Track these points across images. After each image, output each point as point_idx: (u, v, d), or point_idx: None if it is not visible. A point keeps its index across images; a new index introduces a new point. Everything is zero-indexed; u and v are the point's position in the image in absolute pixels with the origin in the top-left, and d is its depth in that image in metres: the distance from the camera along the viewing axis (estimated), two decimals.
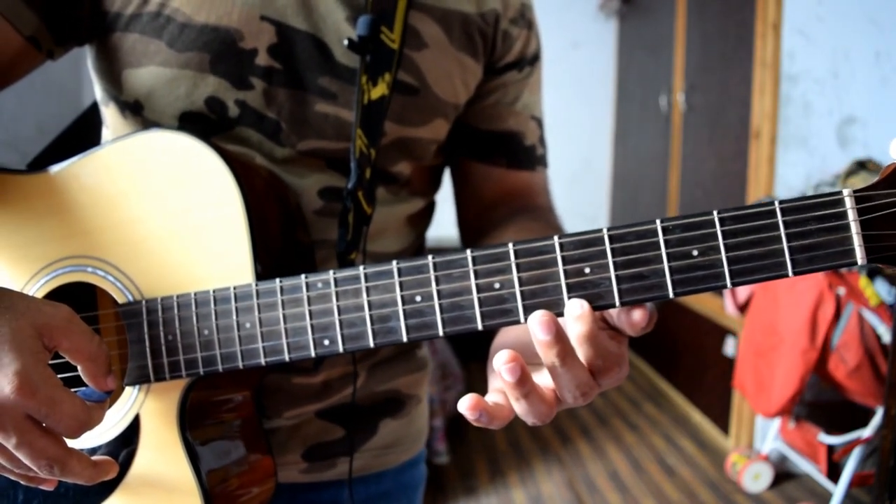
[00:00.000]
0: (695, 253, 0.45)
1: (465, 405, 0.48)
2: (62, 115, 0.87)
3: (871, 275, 2.32)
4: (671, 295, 0.46)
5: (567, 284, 0.48)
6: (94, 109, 0.84)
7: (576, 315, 0.47)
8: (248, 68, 0.71)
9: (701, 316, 3.57)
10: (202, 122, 0.73)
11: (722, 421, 3.33)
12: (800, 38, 2.86)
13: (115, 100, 0.76)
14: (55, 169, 0.69)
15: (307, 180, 0.75)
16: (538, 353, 0.48)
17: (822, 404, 2.62)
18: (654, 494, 2.86)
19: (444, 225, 0.96)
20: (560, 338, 0.47)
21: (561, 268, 0.48)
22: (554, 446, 3.35)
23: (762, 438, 2.98)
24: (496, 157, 0.88)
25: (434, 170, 0.89)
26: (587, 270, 0.48)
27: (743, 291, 2.87)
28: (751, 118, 3.03)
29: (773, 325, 2.53)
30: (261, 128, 0.73)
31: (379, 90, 0.73)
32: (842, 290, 2.33)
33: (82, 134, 0.84)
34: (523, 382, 0.48)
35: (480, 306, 0.50)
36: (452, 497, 2.88)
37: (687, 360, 3.84)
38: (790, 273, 0.44)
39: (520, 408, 0.50)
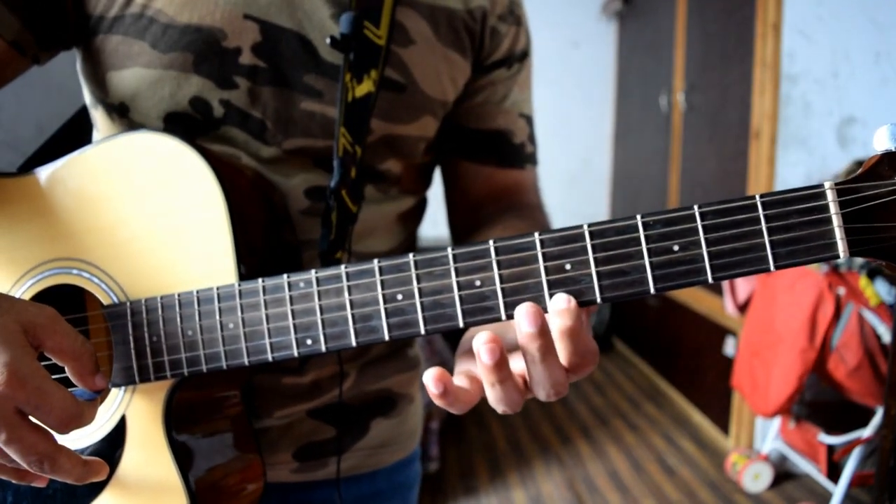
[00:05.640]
0: (675, 248, 0.45)
1: (430, 376, 0.47)
2: (62, 115, 0.87)
3: (871, 275, 2.31)
4: (652, 290, 0.45)
5: (548, 281, 0.48)
6: (86, 111, 0.84)
7: (560, 308, 0.47)
8: (232, 67, 0.71)
9: (701, 316, 3.56)
10: (187, 123, 0.73)
11: (722, 421, 3.32)
12: (800, 38, 2.85)
13: (102, 102, 0.76)
14: (40, 171, 0.69)
15: (294, 180, 0.75)
16: (520, 346, 0.48)
17: (822, 404, 2.61)
18: (654, 494, 2.85)
19: (441, 224, 0.95)
20: (544, 332, 0.46)
21: (542, 264, 0.48)
22: (554, 446, 3.34)
23: (762, 438, 2.98)
24: (485, 156, 0.88)
25: (424, 168, 0.89)
26: (568, 267, 0.47)
27: (743, 291, 2.87)
28: (751, 118, 3.02)
29: (771, 325, 2.52)
30: (246, 127, 0.73)
31: (364, 87, 0.73)
32: (842, 290, 2.32)
33: (75, 136, 0.84)
34: (500, 366, 0.47)
35: (461, 304, 0.50)
36: (452, 497, 2.88)
37: (687, 360, 3.83)
38: (772, 267, 0.43)
39: (493, 394, 0.49)
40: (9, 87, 0.73)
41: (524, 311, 0.46)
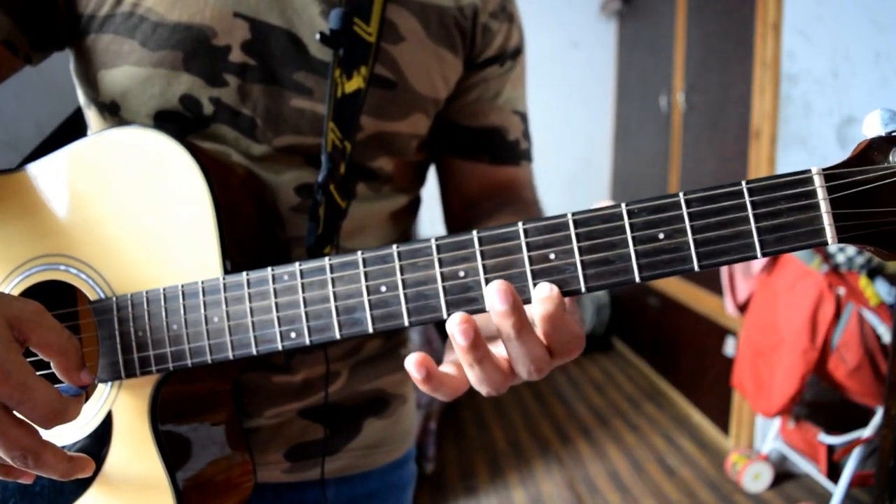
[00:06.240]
0: (661, 236, 0.44)
1: (412, 361, 0.47)
2: (62, 114, 0.87)
3: (872, 275, 2.30)
4: (637, 279, 0.45)
5: (532, 271, 0.47)
6: (82, 111, 0.84)
7: (543, 297, 0.46)
8: (222, 65, 0.71)
9: (701, 316, 3.55)
10: (177, 121, 0.73)
11: (722, 421, 3.31)
12: (800, 38, 2.84)
13: (95, 102, 0.76)
14: (30, 168, 0.69)
15: (284, 177, 0.74)
16: (496, 324, 0.47)
17: (822, 404, 2.60)
18: (654, 494, 2.85)
19: (439, 222, 0.95)
20: (516, 308, 0.46)
21: (525, 254, 0.47)
22: (554, 446, 3.34)
23: (762, 438, 2.97)
24: (479, 153, 0.87)
25: (417, 166, 0.88)
26: (552, 256, 0.47)
27: (743, 291, 2.86)
28: (751, 118, 3.01)
29: (772, 325, 2.52)
30: (236, 125, 0.73)
31: (354, 83, 0.73)
32: (842, 290, 2.31)
33: (72, 136, 0.84)
34: (476, 346, 0.47)
35: (445, 295, 0.49)
36: (452, 497, 2.87)
37: (687, 360, 3.82)
38: (759, 254, 0.43)
39: (473, 375, 0.49)
40: (8, 87, 0.73)
41: (495, 289, 0.46)
